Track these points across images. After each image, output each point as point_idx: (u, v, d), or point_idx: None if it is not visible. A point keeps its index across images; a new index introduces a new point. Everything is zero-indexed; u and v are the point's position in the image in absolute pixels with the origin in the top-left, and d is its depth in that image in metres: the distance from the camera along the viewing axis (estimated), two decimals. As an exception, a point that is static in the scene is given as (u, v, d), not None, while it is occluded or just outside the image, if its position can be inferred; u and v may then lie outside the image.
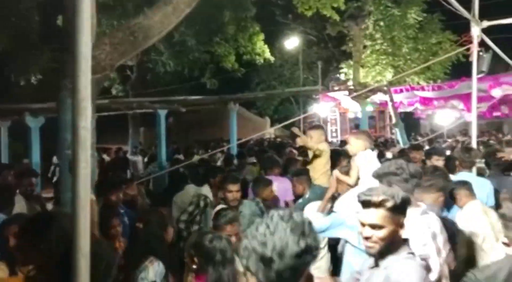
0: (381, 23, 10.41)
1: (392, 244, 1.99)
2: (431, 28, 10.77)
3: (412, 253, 2.01)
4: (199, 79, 15.62)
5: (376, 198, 1.97)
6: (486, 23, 6.05)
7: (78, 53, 1.49)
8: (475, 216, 3.61)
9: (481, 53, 6.38)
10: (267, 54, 14.21)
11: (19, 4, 10.28)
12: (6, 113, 9.67)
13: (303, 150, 5.87)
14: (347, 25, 11.00)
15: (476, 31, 5.98)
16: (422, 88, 12.16)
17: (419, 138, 14.25)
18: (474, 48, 6.03)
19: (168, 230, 3.15)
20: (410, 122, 19.14)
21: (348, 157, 4.38)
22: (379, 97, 13.48)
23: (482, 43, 6.63)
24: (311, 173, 4.61)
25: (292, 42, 17.93)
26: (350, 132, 18.59)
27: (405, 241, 2.04)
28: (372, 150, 4.16)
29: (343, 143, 5.90)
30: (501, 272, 2.28)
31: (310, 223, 1.42)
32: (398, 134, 11.93)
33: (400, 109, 14.61)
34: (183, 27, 12.13)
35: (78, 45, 1.49)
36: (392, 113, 12.27)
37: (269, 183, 4.64)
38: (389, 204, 1.95)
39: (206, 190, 4.98)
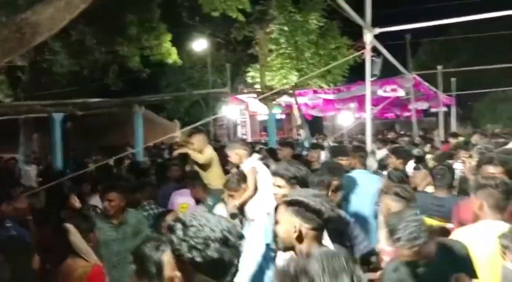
0: (285, 28, 10.78)
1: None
2: (331, 34, 11.44)
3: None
4: (102, 81, 14.77)
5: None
6: (377, 30, 6.52)
7: None
8: None
9: (373, 58, 6.93)
10: (174, 56, 13.91)
11: None
12: None
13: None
14: (252, 29, 11.22)
15: (368, 37, 6.44)
16: (324, 91, 12.86)
17: (322, 139, 15.03)
18: (367, 53, 6.49)
19: None
20: (314, 123, 20.15)
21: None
22: (285, 99, 13.99)
23: (374, 49, 7.19)
24: (206, 180, 4.59)
25: (200, 45, 17.81)
26: (259, 134, 19.11)
27: None
28: (248, 155, 4.30)
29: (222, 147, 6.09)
30: None
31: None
32: (303, 136, 12.48)
33: (310, 112, 15.35)
34: (81, 25, 11.35)
35: None
36: (297, 115, 12.80)
37: None
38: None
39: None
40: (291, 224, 2.03)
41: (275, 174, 2.94)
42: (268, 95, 9.75)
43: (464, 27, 22.21)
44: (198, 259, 1.38)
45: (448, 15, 6.97)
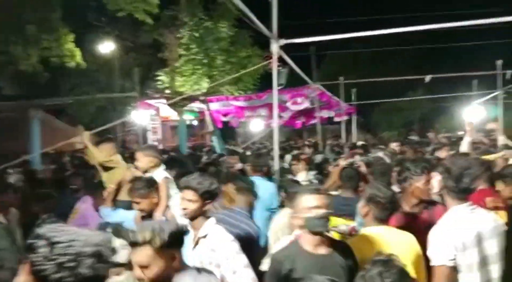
0: (196, 34, 10.75)
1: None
2: (242, 43, 11.65)
3: None
4: (-5, 83, 13.37)
5: (141, 237, 1.93)
6: (283, 41, 6.80)
7: None
8: None
9: (280, 68, 7.21)
10: (78, 57, 13.08)
11: None
12: None
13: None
14: (161, 32, 10.98)
15: (275, 48, 6.69)
16: (236, 98, 13.06)
17: (234, 145, 15.25)
18: (274, 63, 6.74)
19: None
20: (226, 130, 20.31)
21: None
22: (197, 106, 13.92)
23: (281, 59, 7.49)
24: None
25: (107, 47, 16.99)
26: (171, 140, 18.72)
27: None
28: (160, 164, 4.22)
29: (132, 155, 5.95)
30: None
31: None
32: (215, 142, 12.53)
33: (222, 119, 15.45)
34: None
35: None
36: (209, 121, 12.80)
37: None
38: (157, 242, 1.92)
39: None
40: (167, 257, 1.98)
41: (186, 187, 2.78)
42: (177, 101, 9.62)
43: (364, 41, 24.16)
44: (69, 279, 1.25)
45: (350, 30, 7.48)
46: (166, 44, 11.07)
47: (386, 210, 2.84)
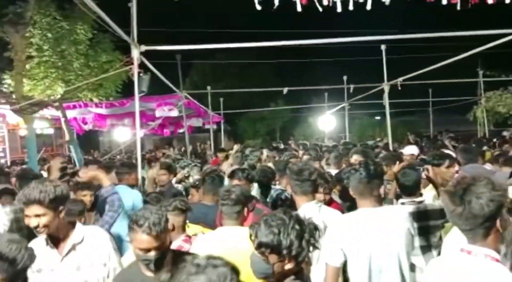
0: (49, 35, 9.76)
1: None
2: (102, 46, 10.94)
3: None
4: None
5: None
6: (144, 48, 6.65)
7: None
8: None
9: (141, 75, 7.05)
10: None
11: None
12: None
13: None
14: (6, 30, 9.67)
15: (135, 53, 6.51)
16: (96, 105, 12.25)
17: (96, 154, 14.30)
18: (135, 69, 6.55)
19: None
20: (88, 139, 18.99)
21: None
22: (51, 113, 12.69)
23: (144, 66, 7.32)
24: None
25: None
26: (21, 151, 16.67)
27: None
28: None
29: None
30: None
31: None
32: (73, 152, 11.54)
33: (82, 127, 14.28)
34: None
35: None
36: (65, 130, 11.73)
37: None
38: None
39: None
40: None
41: (29, 202, 2.43)
42: (24, 107, 8.64)
43: (229, 53, 25.09)
44: None
45: (215, 41, 7.67)
46: (12, 44, 9.79)
47: (231, 207, 2.92)
